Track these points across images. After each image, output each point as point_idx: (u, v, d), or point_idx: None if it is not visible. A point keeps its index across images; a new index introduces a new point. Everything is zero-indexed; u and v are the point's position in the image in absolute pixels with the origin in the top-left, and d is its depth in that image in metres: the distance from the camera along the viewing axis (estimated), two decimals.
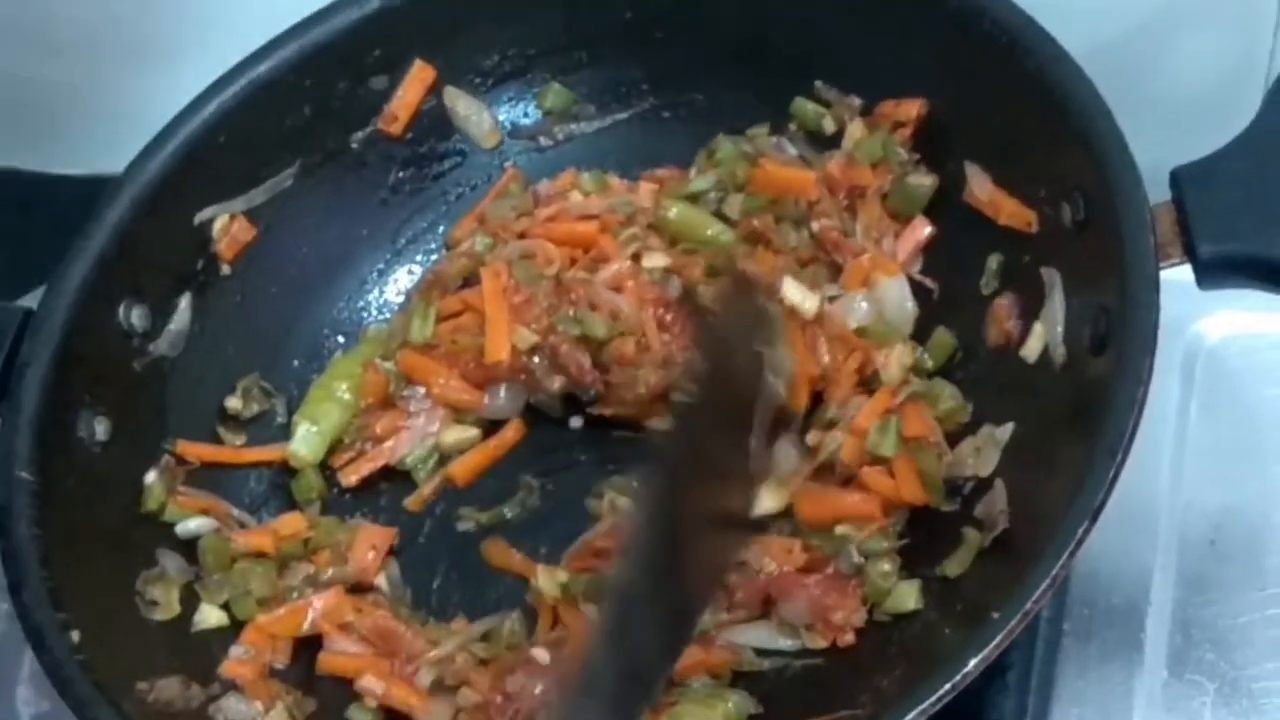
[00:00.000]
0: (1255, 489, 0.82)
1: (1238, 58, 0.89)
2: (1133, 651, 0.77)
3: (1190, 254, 0.67)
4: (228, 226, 0.83)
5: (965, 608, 0.67)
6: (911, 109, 0.81)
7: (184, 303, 0.81)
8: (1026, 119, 0.74)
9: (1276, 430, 0.83)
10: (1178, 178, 0.69)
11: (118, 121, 0.96)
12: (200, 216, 0.82)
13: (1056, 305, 0.72)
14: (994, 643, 0.58)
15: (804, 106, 0.84)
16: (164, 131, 0.80)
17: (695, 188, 0.84)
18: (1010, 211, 0.76)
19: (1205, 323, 0.86)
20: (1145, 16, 0.89)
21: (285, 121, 0.84)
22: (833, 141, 0.84)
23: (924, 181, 0.80)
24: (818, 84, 0.84)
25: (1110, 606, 0.78)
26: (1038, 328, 0.73)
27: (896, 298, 0.79)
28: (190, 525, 0.77)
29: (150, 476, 0.77)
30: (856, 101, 0.83)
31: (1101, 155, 0.69)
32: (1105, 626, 0.78)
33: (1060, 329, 0.72)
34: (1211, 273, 0.67)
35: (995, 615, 0.59)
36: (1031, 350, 0.73)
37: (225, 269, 0.83)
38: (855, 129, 0.83)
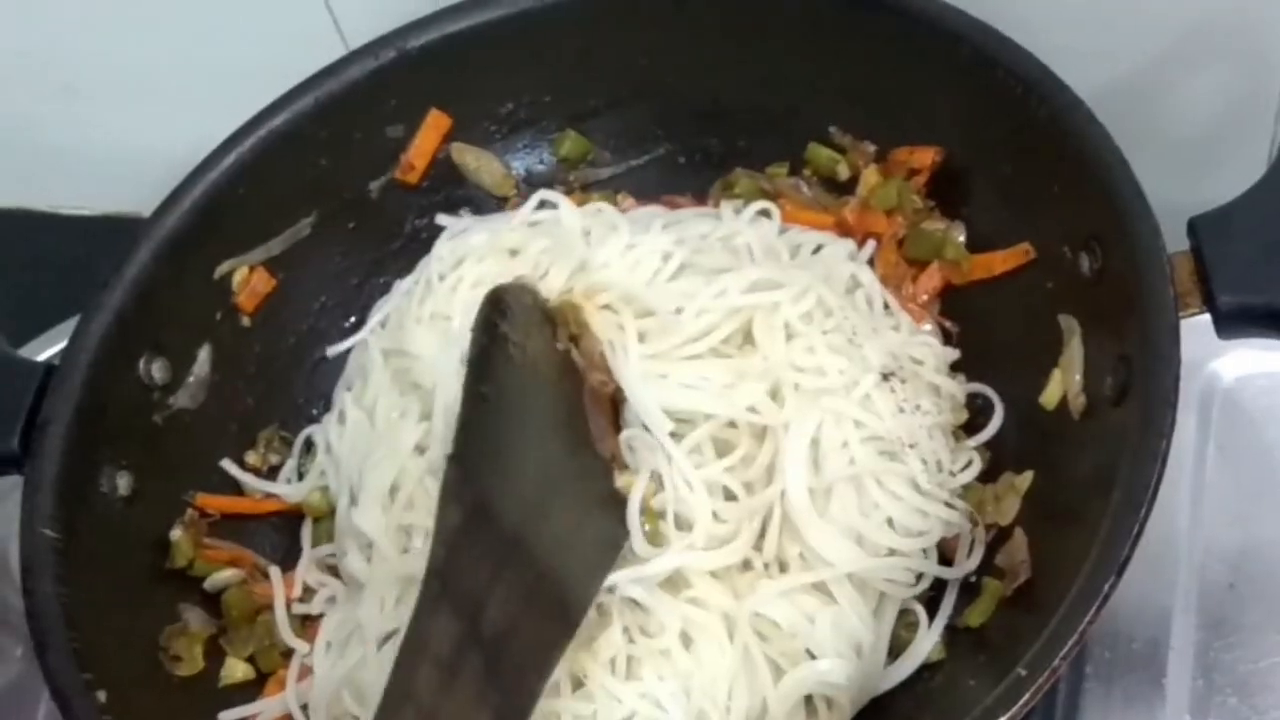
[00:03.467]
0: (1274, 529, 0.82)
1: (1247, 94, 0.89)
2: (1155, 696, 0.77)
3: (1210, 304, 0.67)
4: (247, 279, 0.83)
5: (988, 658, 0.67)
6: (926, 156, 0.81)
7: (204, 354, 0.81)
8: (1042, 167, 0.74)
9: None
10: (1195, 226, 0.69)
11: (129, 162, 0.97)
12: (220, 270, 0.82)
13: (1075, 353, 0.72)
14: (1021, 701, 0.58)
15: (819, 152, 0.84)
16: (182, 185, 0.80)
17: None
18: (1002, 260, 0.76)
19: (1221, 362, 0.86)
20: (1154, 54, 0.89)
21: (302, 172, 0.84)
22: (846, 188, 0.84)
23: (939, 228, 0.80)
24: (832, 129, 0.84)
25: (1131, 651, 0.78)
26: (1056, 375, 0.73)
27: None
28: (219, 578, 0.77)
29: (176, 532, 0.77)
30: (871, 148, 0.83)
31: (1119, 204, 0.69)
32: (1127, 671, 0.78)
33: (1079, 377, 0.72)
34: (1231, 323, 0.67)
35: (1023, 672, 0.59)
36: (1050, 397, 0.73)
37: (245, 320, 0.83)
38: (870, 175, 0.83)
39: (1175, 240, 0.69)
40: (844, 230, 0.83)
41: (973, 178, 0.80)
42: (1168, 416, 0.63)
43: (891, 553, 0.71)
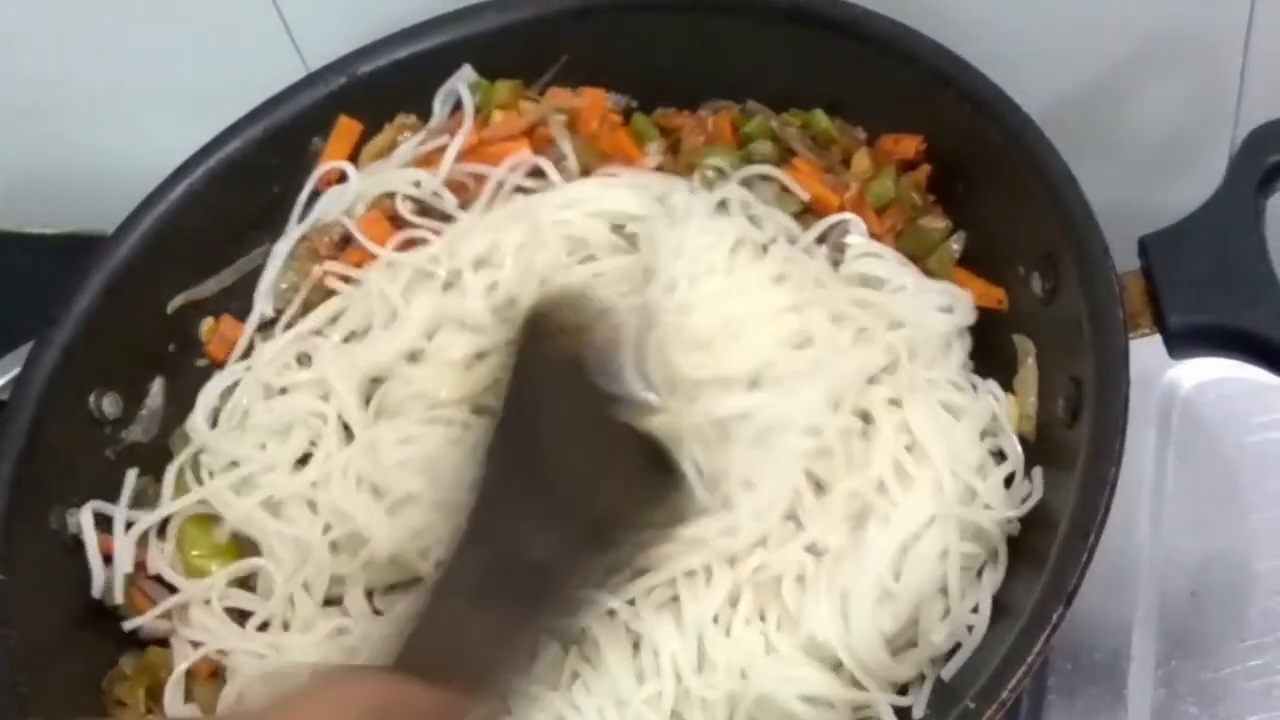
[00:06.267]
0: (1234, 538, 0.82)
1: (1204, 104, 0.89)
2: (1117, 707, 0.77)
3: (1160, 324, 0.67)
4: (215, 328, 0.82)
5: (937, 690, 0.66)
6: (910, 146, 0.79)
7: (156, 387, 0.81)
8: (998, 187, 0.74)
9: (1254, 477, 0.83)
10: (1146, 246, 0.68)
11: (93, 181, 0.96)
12: (173, 304, 0.81)
13: (1030, 374, 0.72)
14: None
15: (821, 120, 0.82)
16: (130, 217, 0.80)
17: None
18: (980, 291, 0.75)
19: (1179, 370, 0.86)
20: (1111, 65, 0.89)
21: (254, 200, 0.83)
22: None
23: (937, 225, 0.78)
24: (816, 113, 0.82)
25: (1093, 662, 0.79)
26: (1011, 398, 0.72)
27: None
28: (148, 626, 0.75)
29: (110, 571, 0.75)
30: (863, 134, 0.82)
31: (1068, 225, 0.69)
32: (1088, 682, 0.78)
33: (1033, 399, 0.71)
34: (1182, 343, 0.67)
35: (971, 705, 0.59)
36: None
37: (200, 361, 0.83)
38: (861, 159, 0.80)
39: (1132, 253, 0.69)
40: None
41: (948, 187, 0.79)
42: (1116, 441, 0.62)
43: None
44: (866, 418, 0.71)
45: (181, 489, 0.78)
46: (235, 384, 0.81)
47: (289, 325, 0.82)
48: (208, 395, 0.81)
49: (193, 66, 0.97)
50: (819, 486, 0.70)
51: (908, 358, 0.72)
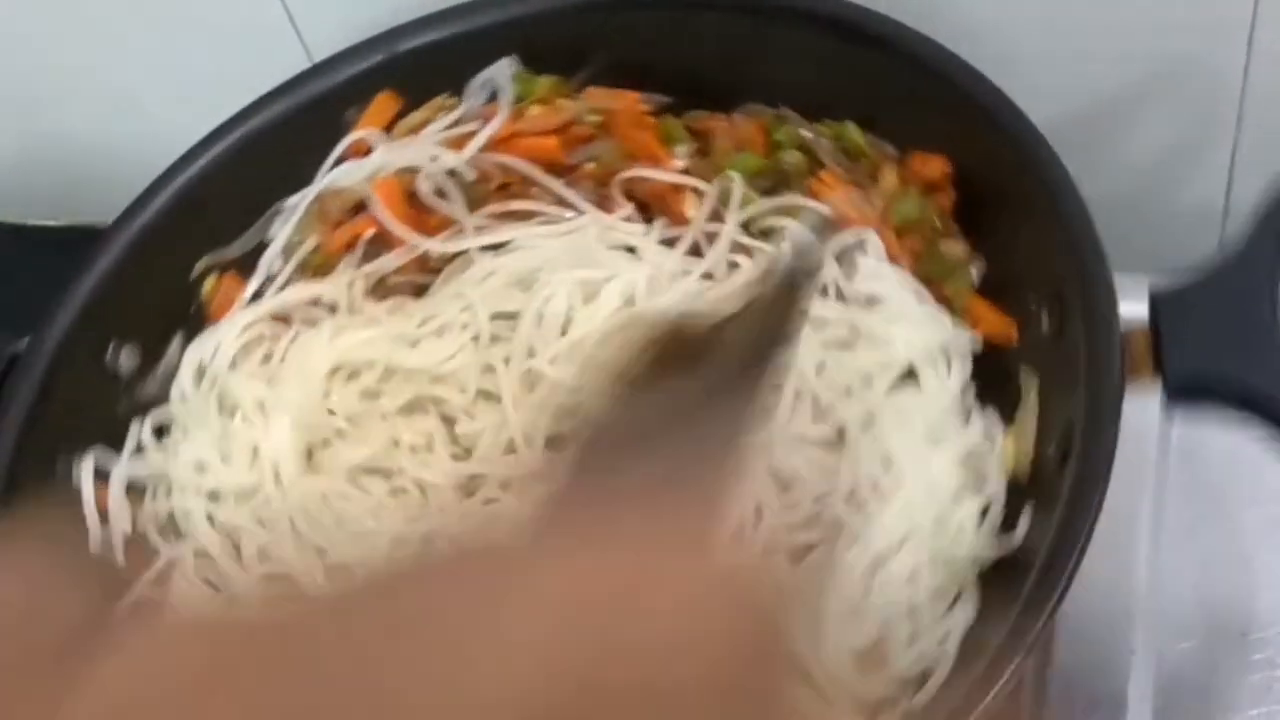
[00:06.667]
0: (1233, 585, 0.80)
1: (1200, 133, 0.89)
2: None
3: (1161, 372, 0.66)
4: (217, 285, 0.83)
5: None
6: (937, 168, 0.78)
7: (175, 344, 0.82)
8: (1016, 216, 0.73)
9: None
10: (1156, 300, 0.68)
11: (95, 173, 0.97)
12: (197, 268, 0.82)
13: (1030, 410, 0.71)
14: None
15: (852, 133, 0.81)
16: (161, 177, 0.80)
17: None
18: (990, 323, 0.75)
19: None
20: (1106, 93, 0.88)
21: (286, 168, 0.84)
22: None
23: (956, 251, 0.77)
24: (849, 125, 0.81)
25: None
26: (1011, 434, 0.72)
27: None
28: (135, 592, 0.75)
29: None
30: (893, 151, 0.80)
31: (1079, 265, 0.68)
32: None
33: (1032, 435, 0.71)
34: (1181, 393, 0.66)
35: None
36: (1008, 459, 0.71)
37: None
38: (890, 176, 0.79)
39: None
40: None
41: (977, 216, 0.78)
42: (1095, 493, 0.62)
43: None
44: (842, 434, 0.71)
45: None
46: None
47: (283, 287, 0.82)
48: (192, 355, 0.81)
49: (195, 59, 0.97)
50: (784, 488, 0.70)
51: (881, 376, 0.71)
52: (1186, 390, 0.66)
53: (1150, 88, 0.87)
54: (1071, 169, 0.70)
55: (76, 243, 0.79)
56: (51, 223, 0.93)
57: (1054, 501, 0.64)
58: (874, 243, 0.77)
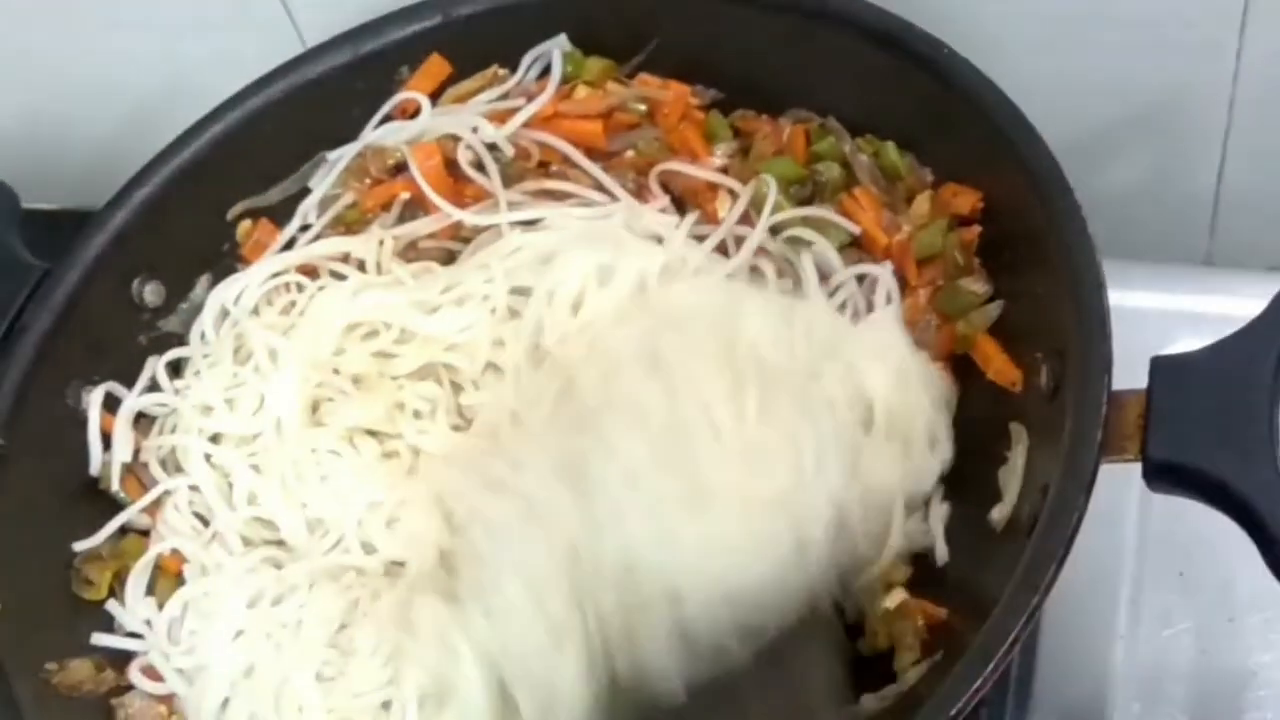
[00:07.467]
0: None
1: (1182, 169, 0.89)
2: None
3: (1142, 455, 0.64)
4: (251, 230, 0.84)
5: None
6: (967, 202, 0.77)
7: (201, 284, 0.84)
8: (1035, 264, 0.71)
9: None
10: (1155, 369, 0.66)
11: (91, 155, 0.99)
12: (233, 211, 0.84)
13: (1017, 465, 0.70)
14: None
15: (890, 153, 0.80)
16: (208, 116, 0.82)
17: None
18: (998, 367, 0.73)
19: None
20: (1089, 128, 0.88)
21: (333, 120, 0.85)
22: None
23: (975, 289, 0.76)
24: (889, 145, 0.80)
25: None
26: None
27: None
28: (134, 517, 0.78)
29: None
30: (930, 176, 0.80)
31: (1082, 329, 0.66)
32: None
33: (1017, 490, 0.69)
34: (1159, 478, 0.64)
35: None
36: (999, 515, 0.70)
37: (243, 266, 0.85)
38: (922, 202, 0.79)
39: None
40: (888, 256, 0.79)
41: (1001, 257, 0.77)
42: (1047, 571, 0.61)
43: None
44: None
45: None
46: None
47: (315, 238, 0.84)
48: (217, 297, 0.83)
49: (190, 44, 0.97)
50: None
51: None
52: (1163, 475, 0.64)
53: (1131, 124, 0.87)
54: None
55: (73, 227, 0.80)
56: (45, 206, 0.95)
57: (1010, 570, 0.63)
58: (887, 280, 0.77)
